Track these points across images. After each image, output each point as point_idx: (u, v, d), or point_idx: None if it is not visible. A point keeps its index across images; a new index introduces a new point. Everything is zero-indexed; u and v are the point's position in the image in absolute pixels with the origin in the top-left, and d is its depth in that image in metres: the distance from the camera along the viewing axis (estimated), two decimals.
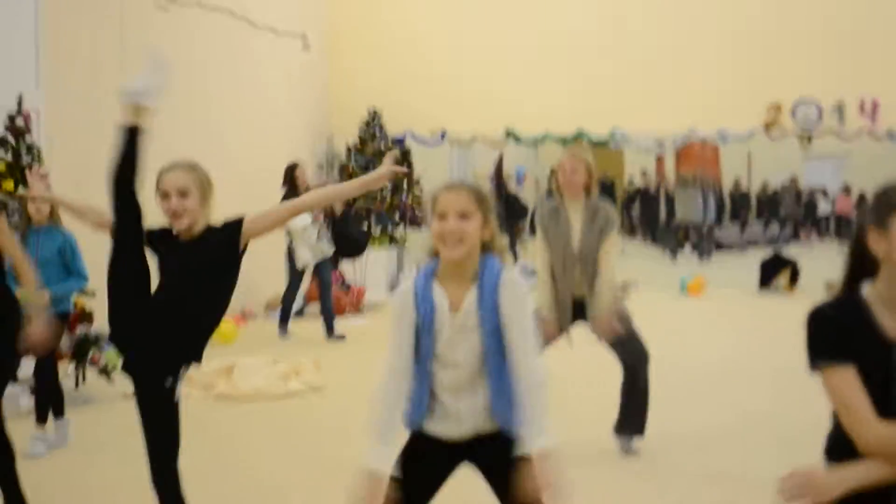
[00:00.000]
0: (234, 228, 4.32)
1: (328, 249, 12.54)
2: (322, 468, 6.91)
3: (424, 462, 3.70)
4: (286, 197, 11.90)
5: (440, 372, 3.64)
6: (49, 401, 7.45)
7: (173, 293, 4.29)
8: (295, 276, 12.69)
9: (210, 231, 4.37)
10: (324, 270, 12.66)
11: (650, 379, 7.07)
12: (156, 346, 4.26)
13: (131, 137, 4.37)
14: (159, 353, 4.27)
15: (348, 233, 13.77)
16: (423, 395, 3.66)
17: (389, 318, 3.70)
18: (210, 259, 4.31)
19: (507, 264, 3.65)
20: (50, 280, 7.04)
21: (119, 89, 4.35)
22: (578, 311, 6.86)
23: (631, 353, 6.98)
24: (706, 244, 21.74)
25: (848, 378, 2.76)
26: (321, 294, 12.65)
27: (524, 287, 3.61)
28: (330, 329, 12.46)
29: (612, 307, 6.79)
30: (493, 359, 3.57)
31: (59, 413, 7.55)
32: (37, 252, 7.16)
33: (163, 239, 4.44)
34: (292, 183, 12.26)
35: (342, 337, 12.38)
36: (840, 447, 2.85)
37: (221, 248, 4.32)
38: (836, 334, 2.80)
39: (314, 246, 12.33)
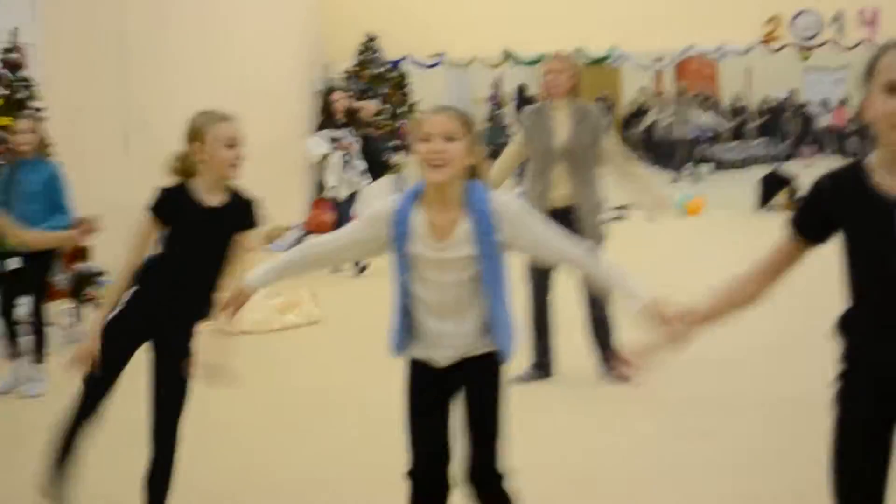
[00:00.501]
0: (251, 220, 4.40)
1: (359, 182, 11.93)
2: (317, 398, 6.91)
3: (423, 391, 3.67)
4: (321, 126, 11.72)
5: (424, 295, 3.58)
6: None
7: (201, 261, 4.33)
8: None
9: (235, 200, 4.37)
10: (345, 204, 11.92)
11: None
12: (186, 309, 4.33)
13: None
14: (188, 315, 4.34)
15: (380, 158, 13.34)
16: (402, 317, 3.63)
17: (360, 217, 3.73)
18: (231, 231, 4.33)
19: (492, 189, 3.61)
20: (36, 215, 6.90)
21: None
22: (561, 219, 6.23)
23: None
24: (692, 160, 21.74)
25: (783, 245, 2.98)
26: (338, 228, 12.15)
27: (517, 202, 3.60)
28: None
29: (658, 199, 7.23)
30: (490, 283, 3.54)
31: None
32: (23, 185, 7.02)
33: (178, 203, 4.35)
34: (328, 110, 11.82)
35: (364, 268, 11.60)
36: (850, 322, 2.92)
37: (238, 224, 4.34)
38: (811, 208, 2.93)
39: (342, 176, 11.75)
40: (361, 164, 11.88)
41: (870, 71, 2.75)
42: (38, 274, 7.24)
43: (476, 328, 3.59)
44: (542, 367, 7.05)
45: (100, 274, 9.06)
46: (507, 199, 3.58)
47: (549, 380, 7.05)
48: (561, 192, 6.77)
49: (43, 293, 7.42)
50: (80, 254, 8.94)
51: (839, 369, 2.94)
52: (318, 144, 11.39)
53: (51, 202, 7.12)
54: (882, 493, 2.90)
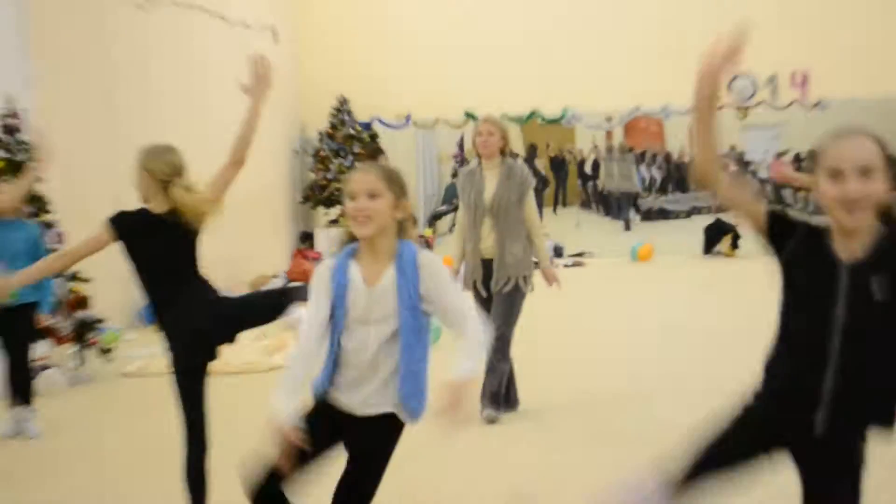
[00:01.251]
0: None
1: None
2: None
3: (316, 424, 3.54)
4: None
5: (349, 345, 3.51)
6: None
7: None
8: None
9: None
10: None
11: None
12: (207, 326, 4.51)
13: None
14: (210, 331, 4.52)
15: None
16: (330, 365, 3.55)
17: (312, 289, 3.59)
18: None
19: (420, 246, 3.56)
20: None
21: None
22: (488, 269, 6.75)
23: (501, 326, 6.76)
24: (631, 212, 21.91)
25: (750, 199, 3.00)
26: None
27: (439, 261, 3.54)
28: None
29: (548, 262, 6.96)
30: (408, 335, 3.46)
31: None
32: (7, 244, 6.92)
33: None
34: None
35: None
36: (776, 361, 3.01)
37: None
38: (787, 220, 2.98)
39: None
40: None
41: (816, 158, 2.87)
42: (23, 324, 7.15)
43: (385, 385, 3.50)
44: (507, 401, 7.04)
45: (99, 321, 9.10)
46: (433, 257, 3.52)
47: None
48: (487, 243, 6.78)
49: (29, 341, 7.35)
50: (82, 302, 8.97)
51: (759, 391, 3.04)
52: None
53: (33, 260, 7.08)
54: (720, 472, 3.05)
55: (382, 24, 17.30)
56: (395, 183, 3.48)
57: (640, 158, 25.54)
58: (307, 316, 3.59)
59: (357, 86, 16.85)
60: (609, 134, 23.33)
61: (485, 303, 6.85)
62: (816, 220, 2.99)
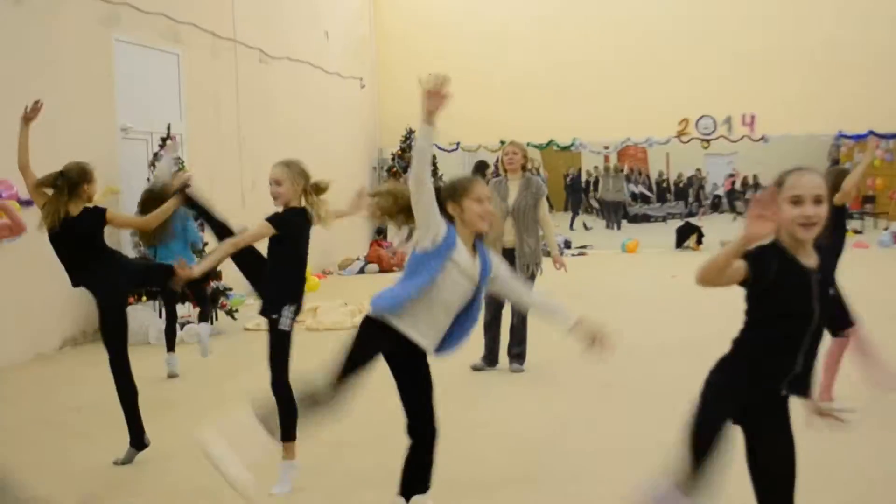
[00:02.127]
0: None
1: None
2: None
3: (374, 344, 3.40)
4: None
5: (436, 293, 3.32)
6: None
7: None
8: None
9: None
10: None
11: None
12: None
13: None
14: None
15: None
16: (408, 296, 3.31)
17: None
18: None
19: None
20: (178, 245, 6.93)
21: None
22: (508, 257, 6.61)
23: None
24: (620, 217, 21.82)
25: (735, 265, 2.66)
26: None
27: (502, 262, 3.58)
28: None
29: (557, 252, 6.86)
30: (475, 304, 3.44)
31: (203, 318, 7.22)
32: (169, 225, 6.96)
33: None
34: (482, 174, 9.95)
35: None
36: (749, 348, 2.80)
37: None
38: (761, 258, 2.69)
39: None
40: None
41: (779, 184, 2.73)
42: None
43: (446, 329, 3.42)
44: (490, 359, 6.90)
45: (228, 289, 9.10)
46: (497, 259, 3.54)
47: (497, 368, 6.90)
48: (509, 237, 6.66)
49: (200, 286, 7.23)
50: (216, 275, 8.96)
51: (731, 368, 2.81)
52: None
53: (186, 237, 7.16)
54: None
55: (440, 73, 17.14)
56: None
57: (629, 177, 25.40)
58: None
59: (420, 120, 16.73)
60: (606, 158, 23.22)
61: None
62: (763, 246, 2.74)
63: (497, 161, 6.99)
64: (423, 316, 3.33)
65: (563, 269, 6.81)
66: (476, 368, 6.82)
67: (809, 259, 2.75)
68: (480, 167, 9.69)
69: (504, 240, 6.67)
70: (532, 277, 6.64)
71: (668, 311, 9.53)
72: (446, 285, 3.31)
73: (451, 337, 3.44)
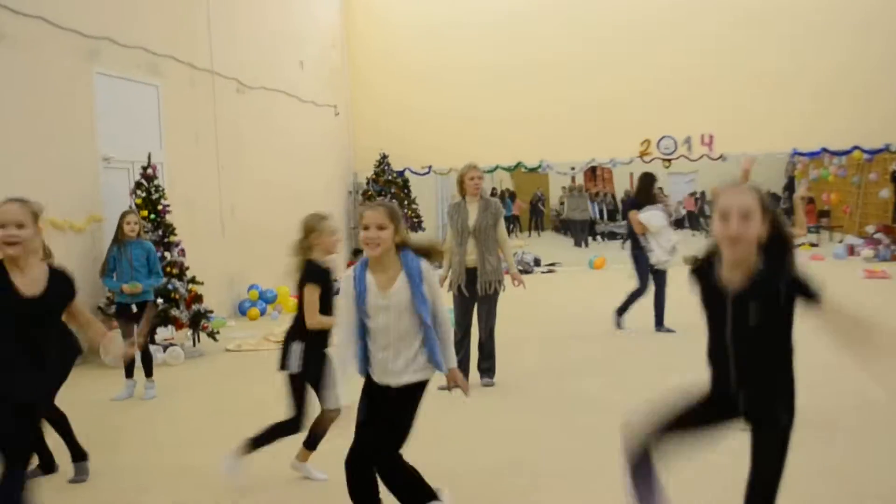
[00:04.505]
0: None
1: (672, 256, 9.06)
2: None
3: (370, 398, 3.53)
4: (635, 205, 9.25)
5: (375, 335, 3.45)
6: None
7: None
8: (644, 273, 9.20)
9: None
10: (663, 273, 9.18)
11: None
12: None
13: None
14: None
15: None
16: (362, 351, 3.48)
17: (341, 297, 3.51)
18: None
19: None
20: (140, 277, 6.98)
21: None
22: (471, 276, 6.66)
23: (487, 322, 6.73)
24: (587, 235, 21.98)
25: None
26: (657, 292, 9.17)
27: (431, 268, 3.54)
28: (659, 322, 9.19)
29: (515, 270, 6.88)
30: (426, 321, 3.44)
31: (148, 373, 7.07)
32: (131, 258, 6.98)
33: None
34: (647, 192, 9.35)
35: (671, 330, 8.96)
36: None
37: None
38: (699, 268, 2.88)
39: (668, 249, 9.07)
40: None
41: (712, 202, 2.81)
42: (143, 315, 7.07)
43: (415, 356, 3.46)
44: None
45: (209, 312, 9.11)
46: (429, 267, 3.50)
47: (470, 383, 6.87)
48: (471, 257, 6.67)
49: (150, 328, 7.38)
50: (197, 298, 8.96)
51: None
52: (658, 217, 9.13)
53: (148, 270, 7.09)
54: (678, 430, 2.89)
55: (412, 102, 17.28)
56: (395, 216, 3.46)
57: (595, 196, 25.67)
58: (340, 317, 3.50)
59: (393, 145, 16.87)
60: (573, 179, 23.43)
61: (466, 301, 6.76)
62: (706, 253, 2.87)
63: (459, 183, 6.99)
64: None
65: (521, 285, 6.88)
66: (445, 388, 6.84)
67: (737, 281, 2.72)
68: (649, 179, 9.23)
69: (466, 259, 6.70)
70: (495, 294, 6.71)
71: (633, 324, 9.62)
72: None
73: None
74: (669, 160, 16.75)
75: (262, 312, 11.73)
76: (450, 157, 17.04)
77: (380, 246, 3.39)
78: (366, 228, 3.41)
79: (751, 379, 2.77)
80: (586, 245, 21.63)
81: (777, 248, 2.72)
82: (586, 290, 13.80)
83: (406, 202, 16.69)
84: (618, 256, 17.86)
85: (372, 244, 3.40)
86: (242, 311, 11.71)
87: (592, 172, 22.20)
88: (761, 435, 2.77)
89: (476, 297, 6.71)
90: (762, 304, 2.69)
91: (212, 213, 11.33)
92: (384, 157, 16.73)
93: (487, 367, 6.85)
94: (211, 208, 11.31)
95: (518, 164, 17.37)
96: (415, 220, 16.69)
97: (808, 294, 2.66)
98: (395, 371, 3.46)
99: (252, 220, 12.24)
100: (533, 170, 17.75)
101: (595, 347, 8.42)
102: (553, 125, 16.69)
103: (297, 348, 4.34)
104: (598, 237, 23.02)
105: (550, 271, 17.12)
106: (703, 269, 2.84)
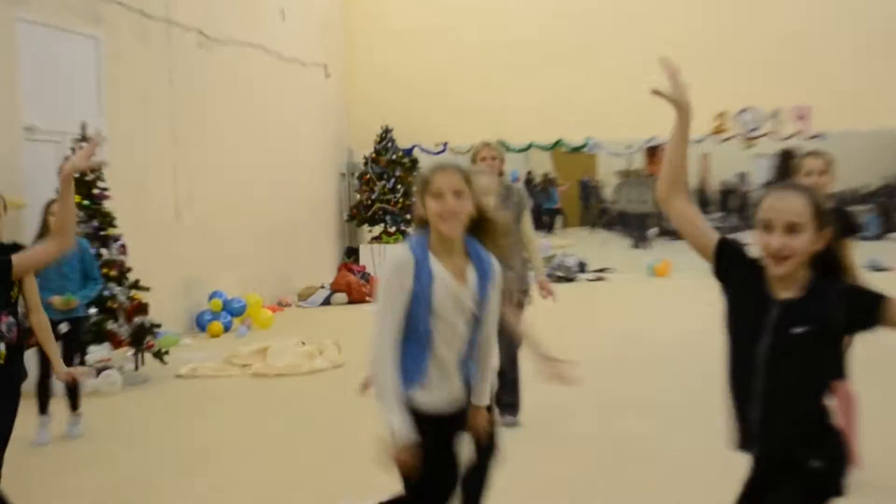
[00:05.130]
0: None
1: None
2: (342, 437, 6.85)
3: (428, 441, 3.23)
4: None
5: (439, 343, 3.26)
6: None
7: None
8: None
9: None
10: None
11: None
12: None
13: None
14: None
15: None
16: (420, 367, 3.24)
17: (384, 285, 3.22)
18: None
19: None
20: (72, 287, 6.91)
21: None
22: None
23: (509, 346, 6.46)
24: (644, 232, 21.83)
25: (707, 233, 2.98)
26: None
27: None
28: None
29: (544, 276, 6.86)
30: (480, 331, 3.35)
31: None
32: (59, 261, 6.64)
33: None
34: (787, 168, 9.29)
35: None
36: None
37: None
38: (736, 251, 2.94)
39: None
40: None
41: (754, 212, 2.85)
42: (78, 335, 7.09)
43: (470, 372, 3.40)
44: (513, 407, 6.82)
45: (156, 326, 9.05)
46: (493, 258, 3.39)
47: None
48: None
49: (82, 351, 7.36)
50: (141, 309, 8.92)
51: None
52: None
53: (84, 274, 7.06)
54: None
55: (423, 62, 17.20)
56: (471, 181, 3.29)
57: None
58: (387, 317, 3.21)
59: (400, 115, 16.80)
60: (630, 160, 23.33)
61: None
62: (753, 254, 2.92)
63: (472, 164, 6.87)
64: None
65: (550, 296, 6.82)
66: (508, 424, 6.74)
67: (785, 291, 2.79)
68: (788, 157, 8.88)
69: None
70: (519, 307, 6.59)
71: (698, 354, 9.46)
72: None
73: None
74: (752, 139, 16.56)
75: (227, 328, 11.70)
76: (471, 134, 16.92)
77: (460, 220, 3.24)
78: (438, 196, 3.21)
79: (780, 411, 2.80)
80: (641, 246, 21.48)
81: (831, 266, 2.82)
82: (641, 304, 13.67)
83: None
84: (686, 262, 17.70)
85: (451, 218, 3.21)
86: (201, 325, 11.69)
87: (652, 153, 22.01)
88: (783, 483, 2.81)
89: None
90: (811, 324, 2.75)
91: (164, 199, 11.30)
92: (387, 130, 16.70)
93: (510, 403, 6.76)
94: (163, 193, 11.28)
95: (558, 143, 17.26)
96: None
97: (871, 305, 2.71)
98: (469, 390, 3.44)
99: (216, 209, 12.22)
100: (577, 149, 17.64)
101: (646, 377, 8.32)
102: (603, 93, 16.56)
103: None
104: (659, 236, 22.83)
105: (599, 279, 17.00)
106: (747, 261, 2.89)
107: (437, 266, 3.23)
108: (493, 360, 3.50)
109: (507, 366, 6.68)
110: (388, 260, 3.30)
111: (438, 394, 3.29)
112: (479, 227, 3.34)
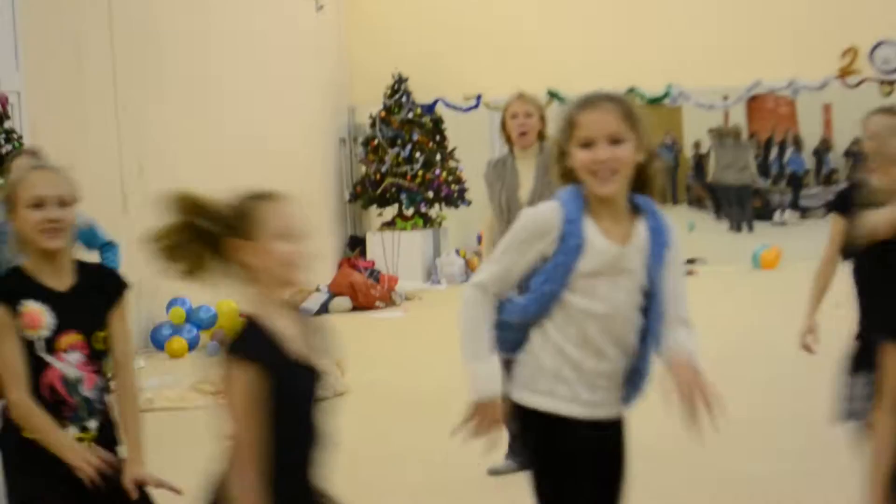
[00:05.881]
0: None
1: None
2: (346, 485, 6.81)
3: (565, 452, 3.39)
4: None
5: (585, 324, 3.33)
6: None
7: None
8: None
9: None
10: None
11: None
12: None
13: None
14: None
15: None
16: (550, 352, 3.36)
17: (515, 233, 3.39)
18: None
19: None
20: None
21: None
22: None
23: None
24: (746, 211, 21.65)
25: None
26: None
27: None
28: None
29: None
30: (654, 310, 3.38)
31: None
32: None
33: None
34: None
35: None
36: None
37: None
38: None
39: None
40: None
41: None
42: None
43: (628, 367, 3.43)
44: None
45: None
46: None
47: None
48: None
49: None
50: None
51: None
52: None
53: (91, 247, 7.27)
54: None
55: None
56: (635, 119, 3.31)
57: (767, 145, 25.31)
58: (499, 262, 3.41)
59: (417, 62, 16.78)
60: (726, 115, 23.18)
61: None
62: None
63: (501, 126, 6.85)
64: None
65: None
66: (496, 472, 6.72)
67: None
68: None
69: None
70: None
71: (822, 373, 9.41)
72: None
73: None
74: (892, 83, 16.46)
75: (192, 345, 11.80)
76: (512, 83, 16.80)
77: (618, 173, 3.27)
78: (587, 145, 3.28)
79: None
80: (749, 229, 21.36)
81: None
82: (745, 304, 13.60)
83: (439, 156, 16.65)
84: (803, 248, 17.62)
85: (606, 171, 3.27)
86: (158, 342, 11.82)
87: (754, 105, 21.89)
88: None
89: None
90: None
91: (106, 176, 11.33)
92: (400, 80, 16.74)
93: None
94: (103, 168, 11.30)
95: (630, 91, 17.18)
96: (453, 186, 16.60)
97: None
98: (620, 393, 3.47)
99: (174, 187, 12.18)
100: (656, 100, 17.57)
101: (758, 406, 8.27)
102: (688, 29, 16.51)
103: None
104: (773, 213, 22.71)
105: (688, 272, 16.93)
106: None
107: (589, 226, 3.30)
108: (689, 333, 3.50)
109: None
110: (526, 213, 3.46)
111: (587, 391, 3.38)
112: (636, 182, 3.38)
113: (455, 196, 16.70)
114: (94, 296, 3.89)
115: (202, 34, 13.22)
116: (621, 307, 3.32)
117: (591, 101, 3.31)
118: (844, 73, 16.54)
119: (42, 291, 3.77)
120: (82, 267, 3.93)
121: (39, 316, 3.74)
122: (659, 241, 3.34)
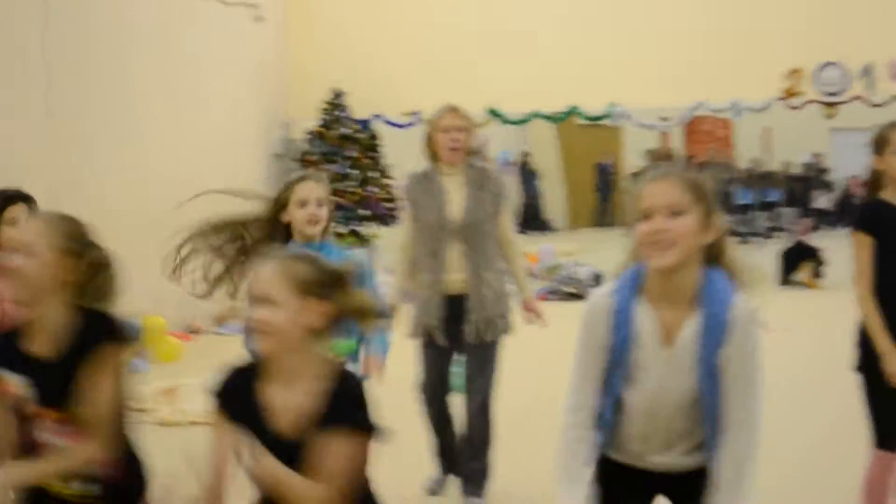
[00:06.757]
0: None
1: None
2: None
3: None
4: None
5: (634, 416, 3.41)
6: None
7: None
8: None
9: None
10: None
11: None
12: None
13: None
14: None
15: None
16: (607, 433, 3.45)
17: (578, 339, 3.43)
18: None
19: (737, 286, 3.36)
20: None
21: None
22: (456, 307, 6.42)
23: (479, 390, 6.60)
24: None
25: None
26: None
27: (756, 325, 3.35)
28: None
29: (530, 293, 6.88)
30: (709, 408, 3.32)
31: None
32: None
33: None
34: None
35: None
36: None
37: None
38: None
39: None
40: None
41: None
42: None
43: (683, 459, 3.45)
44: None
45: None
46: (751, 313, 3.34)
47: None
48: (457, 275, 6.42)
49: None
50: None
51: None
52: None
53: None
54: None
55: (387, 3, 17.22)
56: (703, 193, 3.28)
57: (701, 169, 25.52)
58: (575, 377, 3.45)
59: (355, 76, 16.78)
60: (663, 137, 23.38)
61: (441, 356, 6.59)
62: None
63: (427, 141, 6.80)
64: None
65: (540, 320, 6.83)
66: (432, 491, 6.86)
67: None
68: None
69: (446, 280, 6.45)
70: (493, 341, 6.53)
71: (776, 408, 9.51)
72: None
73: None
74: (834, 104, 16.62)
75: None
76: (452, 100, 16.85)
77: (677, 245, 3.22)
78: (647, 216, 3.24)
79: None
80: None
81: None
82: None
83: (375, 171, 16.64)
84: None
85: (663, 243, 3.22)
86: None
87: (693, 128, 22.11)
88: None
89: (461, 346, 6.55)
90: None
91: (35, 189, 11.14)
92: (338, 95, 16.70)
93: (477, 470, 6.62)
94: (35, 180, 11.13)
95: (572, 111, 17.25)
96: (387, 204, 16.60)
97: None
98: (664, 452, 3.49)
99: (102, 200, 12.06)
100: (596, 120, 17.64)
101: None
102: (631, 48, 16.61)
103: None
104: None
105: None
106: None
107: (646, 318, 3.29)
108: (742, 462, 3.38)
109: (475, 415, 6.58)
110: (583, 310, 3.46)
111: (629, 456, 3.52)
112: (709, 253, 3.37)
113: (388, 214, 16.67)
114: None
115: (143, 42, 13.23)
116: (659, 397, 3.35)
117: (656, 173, 3.33)
118: (789, 94, 16.68)
119: None
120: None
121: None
122: (712, 341, 3.26)
